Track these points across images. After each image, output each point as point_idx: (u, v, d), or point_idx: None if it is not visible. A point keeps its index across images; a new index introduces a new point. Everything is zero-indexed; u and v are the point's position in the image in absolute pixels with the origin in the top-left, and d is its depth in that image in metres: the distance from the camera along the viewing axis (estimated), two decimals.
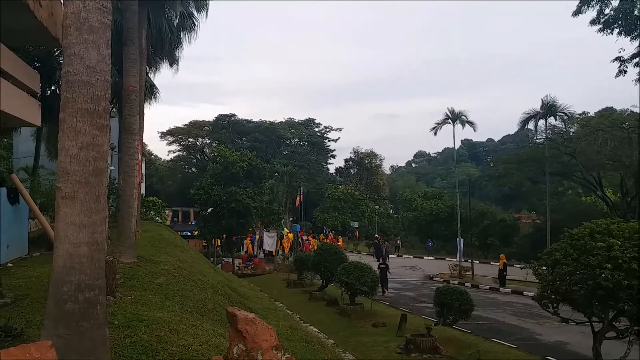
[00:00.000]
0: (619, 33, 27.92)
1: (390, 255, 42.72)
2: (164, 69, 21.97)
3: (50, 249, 8.87)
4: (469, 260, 31.64)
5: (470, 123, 47.42)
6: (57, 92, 19.52)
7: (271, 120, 79.87)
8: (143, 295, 9.53)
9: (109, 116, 5.43)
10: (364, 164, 78.91)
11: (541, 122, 42.73)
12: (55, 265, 4.94)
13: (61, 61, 12.42)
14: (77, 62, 5.05)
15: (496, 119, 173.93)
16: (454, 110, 46.96)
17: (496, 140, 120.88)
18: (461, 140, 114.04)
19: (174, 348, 6.76)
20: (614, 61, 28.26)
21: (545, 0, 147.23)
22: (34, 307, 7.75)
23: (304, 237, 46.01)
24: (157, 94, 24.60)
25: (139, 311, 8.23)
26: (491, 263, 33.05)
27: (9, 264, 10.94)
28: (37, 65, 18.47)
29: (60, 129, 5.06)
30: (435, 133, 48.68)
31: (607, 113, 49.18)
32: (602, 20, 28.37)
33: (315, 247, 32.27)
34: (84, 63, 5.05)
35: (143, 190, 31.95)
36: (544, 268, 10.23)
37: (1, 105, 11.22)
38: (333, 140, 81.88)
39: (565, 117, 42.39)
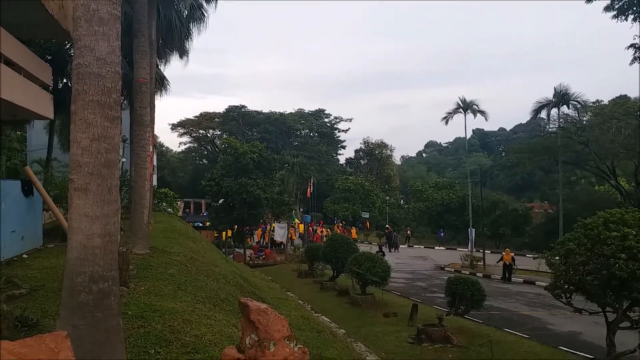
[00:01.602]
0: (634, 19, 27.49)
1: (400, 246, 42.85)
2: (174, 60, 21.97)
3: (64, 240, 8.96)
4: (481, 251, 31.52)
5: (482, 112, 47.04)
6: (69, 84, 19.64)
7: (281, 111, 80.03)
8: (156, 285, 9.61)
9: (120, 108, 5.44)
10: (374, 154, 78.61)
11: (554, 111, 42.35)
12: (69, 257, 4.98)
13: (72, 54, 12.46)
14: (87, 54, 5.04)
15: (508, 108, 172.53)
16: (465, 100, 46.59)
17: (508, 129, 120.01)
18: (472, 130, 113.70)
19: (187, 338, 6.82)
20: (628, 48, 27.89)
21: None
22: (49, 298, 7.85)
23: (315, 228, 46.19)
24: (168, 86, 24.68)
25: (152, 301, 8.31)
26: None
27: (24, 255, 11.10)
28: (48, 58, 18.60)
29: (72, 121, 5.07)
30: (447, 123, 48.41)
31: (621, 101, 48.24)
32: (616, 6, 27.95)
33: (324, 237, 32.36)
34: (95, 55, 5.05)
35: (155, 182, 32.11)
36: (556, 258, 10.18)
37: (14, 98, 11.33)
38: (343, 131, 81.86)
39: (579, 106, 41.86)
